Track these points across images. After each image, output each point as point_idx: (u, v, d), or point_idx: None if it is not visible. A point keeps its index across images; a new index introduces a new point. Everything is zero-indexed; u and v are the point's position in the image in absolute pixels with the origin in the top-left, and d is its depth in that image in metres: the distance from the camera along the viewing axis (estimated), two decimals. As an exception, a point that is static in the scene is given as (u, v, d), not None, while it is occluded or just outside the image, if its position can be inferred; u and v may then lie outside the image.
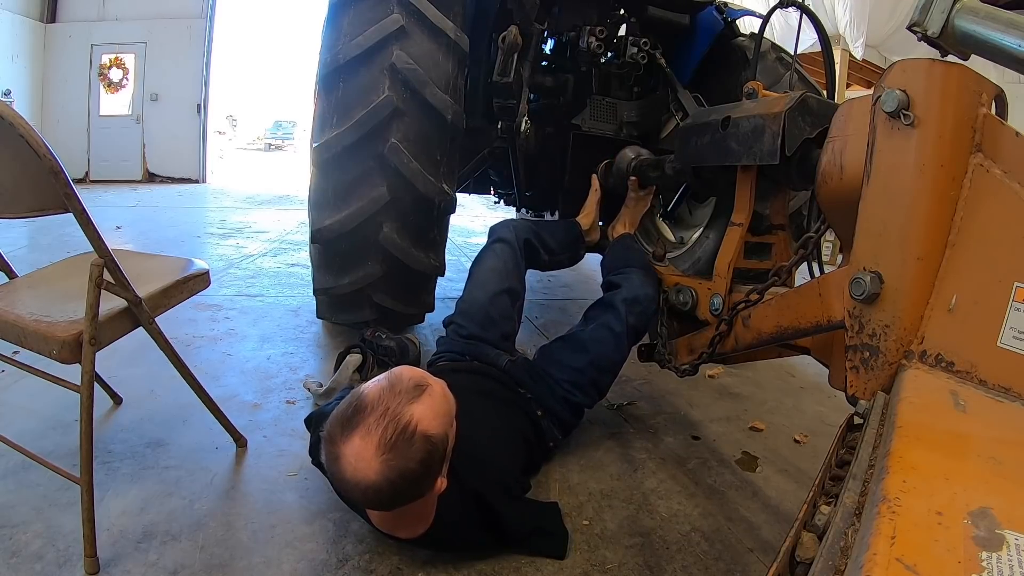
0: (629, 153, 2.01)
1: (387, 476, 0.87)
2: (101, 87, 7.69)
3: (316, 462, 1.16)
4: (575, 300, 2.96)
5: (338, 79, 1.76)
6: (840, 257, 1.22)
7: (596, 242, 2.01)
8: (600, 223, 2.05)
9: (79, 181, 7.26)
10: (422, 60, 1.75)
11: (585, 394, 1.46)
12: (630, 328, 1.52)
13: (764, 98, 1.39)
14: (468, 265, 1.71)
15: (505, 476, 1.19)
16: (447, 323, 1.63)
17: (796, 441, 1.71)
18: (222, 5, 7.94)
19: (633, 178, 1.95)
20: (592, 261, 2.04)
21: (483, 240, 1.75)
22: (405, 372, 0.99)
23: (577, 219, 1.99)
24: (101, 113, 7.72)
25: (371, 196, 1.75)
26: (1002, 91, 0.86)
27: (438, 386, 0.99)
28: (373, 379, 0.99)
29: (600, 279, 1.77)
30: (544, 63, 2.42)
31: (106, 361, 1.45)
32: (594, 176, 2.09)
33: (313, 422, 1.24)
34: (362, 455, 0.87)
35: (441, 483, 0.97)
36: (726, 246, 1.40)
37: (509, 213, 5.73)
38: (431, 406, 0.94)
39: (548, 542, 1.14)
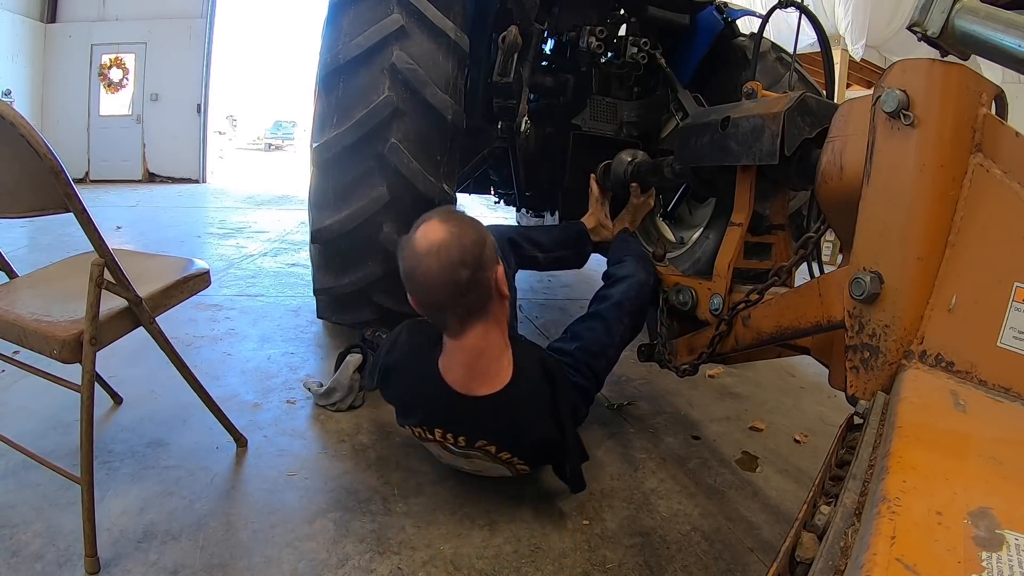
0: (625, 156, 2.01)
1: (452, 232, 1.04)
2: (101, 87, 7.69)
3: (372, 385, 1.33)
4: (575, 300, 2.96)
5: (338, 79, 1.76)
6: (840, 257, 1.22)
7: (607, 240, 1.99)
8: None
9: (79, 181, 7.26)
10: (422, 60, 1.75)
11: (583, 376, 1.44)
12: (624, 313, 1.52)
13: (764, 98, 1.39)
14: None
15: (569, 397, 1.25)
16: None
17: (796, 441, 1.71)
18: (222, 5, 7.94)
19: (634, 184, 1.94)
20: (595, 261, 2.04)
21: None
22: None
23: (583, 219, 1.98)
24: (101, 113, 7.72)
25: (371, 196, 1.75)
26: (1002, 91, 0.86)
27: None
28: None
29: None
30: (544, 63, 2.42)
31: (106, 361, 1.45)
32: (592, 177, 2.08)
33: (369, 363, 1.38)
34: (430, 228, 1.06)
35: (502, 277, 1.10)
36: (726, 246, 1.40)
37: (509, 213, 5.73)
38: (472, 220, 1.13)
39: (579, 473, 1.21)
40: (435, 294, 1.06)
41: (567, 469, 1.21)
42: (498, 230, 1.74)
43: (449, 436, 1.16)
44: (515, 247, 1.75)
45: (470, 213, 1.21)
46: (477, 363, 1.11)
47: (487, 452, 1.16)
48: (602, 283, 1.68)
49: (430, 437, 1.19)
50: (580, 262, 1.96)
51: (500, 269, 1.10)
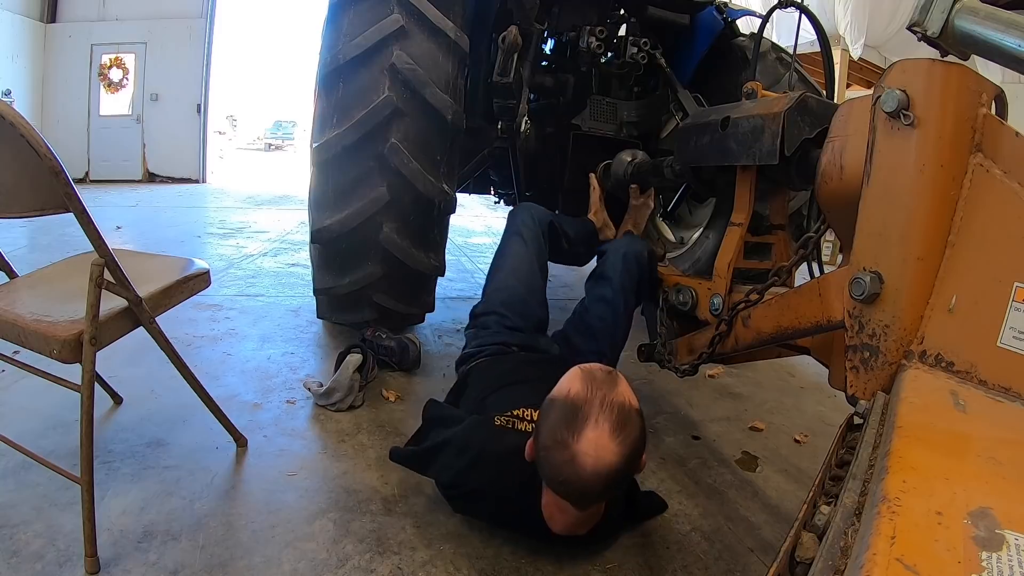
0: (625, 156, 2.01)
1: (625, 454, 0.94)
2: (101, 87, 7.68)
3: (414, 465, 1.22)
4: (575, 300, 2.95)
5: (338, 79, 1.76)
6: (840, 257, 1.22)
7: (610, 240, 1.99)
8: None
9: (79, 181, 7.26)
10: (422, 60, 1.75)
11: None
12: (625, 291, 1.54)
13: (763, 98, 1.39)
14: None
15: None
16: (480, 314, 1.59)
17: (796, 441, 1.71)
18: (222, 5, 7.95)
19: (634, 186, 1.94)
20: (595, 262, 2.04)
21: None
22: (590, 366, 1.05)
23: (589, 216, 1.99)
24: (101, 113, 7.71)
25: (371, 196, 1.75)
26: (1002, 91, 0.86)
27: (619, 372, 1.06)
28: (563, 383, 1.02)
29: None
30: (544, 63, 2.42)
31: (106, 361, 1.45)
32: (592, 175, 2.08)
33: (425, 431, 1.25)
34: (601, 443, 0.93)
35: (644, 458, 1.03)
36: (726, 246, 1.40)
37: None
38: (626, 384, 1.03)
39: (652, 500, 1.24)
40: (584, 503, 1.01)
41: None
42: (538, 213, 1.73)
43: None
44: (554, 234, 1.74)
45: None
46: (588, 521, 1.06)
47: None
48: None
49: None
50: (585, 261, 1.96)
51: (645, 456, 1.03)
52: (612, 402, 0.96)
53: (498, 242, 1.77)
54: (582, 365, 1.06)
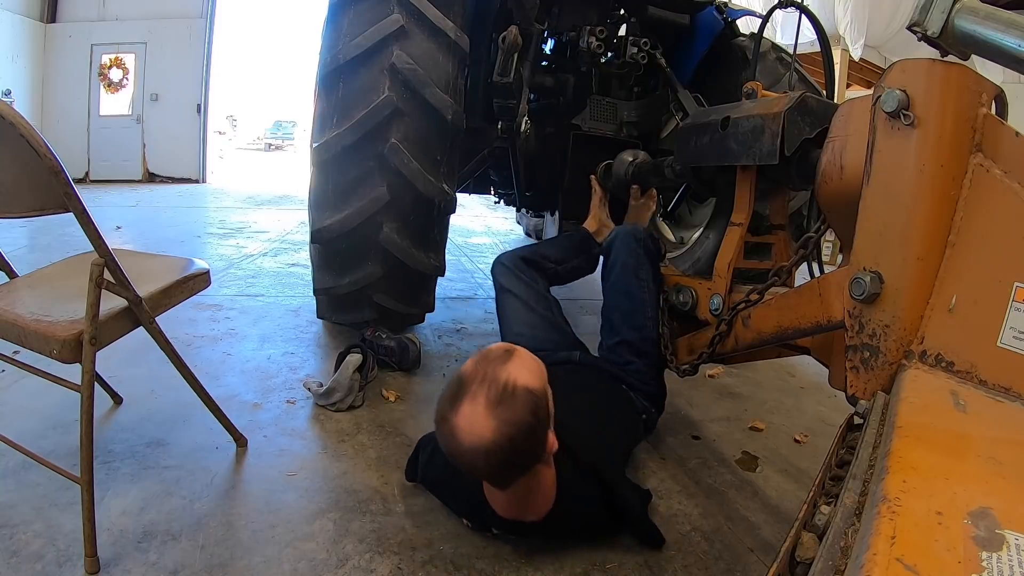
0: (627, 156, 2.01)
1: (502, 431, 0.91)
2: (101, 87, 7.68)
3: (413, 478, 1.29)
4: (575, 300, 2.96)
5: (338, 79, 1.76)
6: (840, 257, 1.22)
7: None
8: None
9: (79, 181, 7.26)
10: (422, 60, 1.75)
11: (642, 357, 1.49)
12: (634, 272, 1.54)
13: (763, 98, 1.39)
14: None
15: (614, 453, 1.28)
16: None
17: (796, 441, 1.71)
18: (222, 5, 7.94)
19: (635, 186, 1.94)
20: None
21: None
22: (494, 345, 1.05)
23: (583, 225, 1.98)
24: (101, 113, 7.71)
25: (371, 196, 1.75)
26: (1002, 91, 0.86)
27: (524, 350, 1.04)
28: (466, 363, 1.03)
29: (600, 282, 1.77)
30: (544, 63, 2.42)
31: (106, 361, 1.45)
32: (593, 177, 2.08)
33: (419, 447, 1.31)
34: (474, 419, 0.92)
35: (552, 440, 1.00)
36: (726, 246, 1.40)
37: (509, 213, 5.73)
38: (523, 363, 1.00)
39: (650, 530, 1.18)
40: (473, 475, 1.02)
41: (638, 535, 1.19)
42: (508, 257, 1.76)
43: (509, 535, 1.17)
44: (533, 265, 1.76)
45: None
46: (523, 502, 1.08)
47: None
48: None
49: (489, 534, 1.18)
50: (592, 267, 1.90)
51: (552, 437, 0.99)
52: (494, 378, 0.95)
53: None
54: (488, 346, 1.06)
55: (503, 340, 1.66)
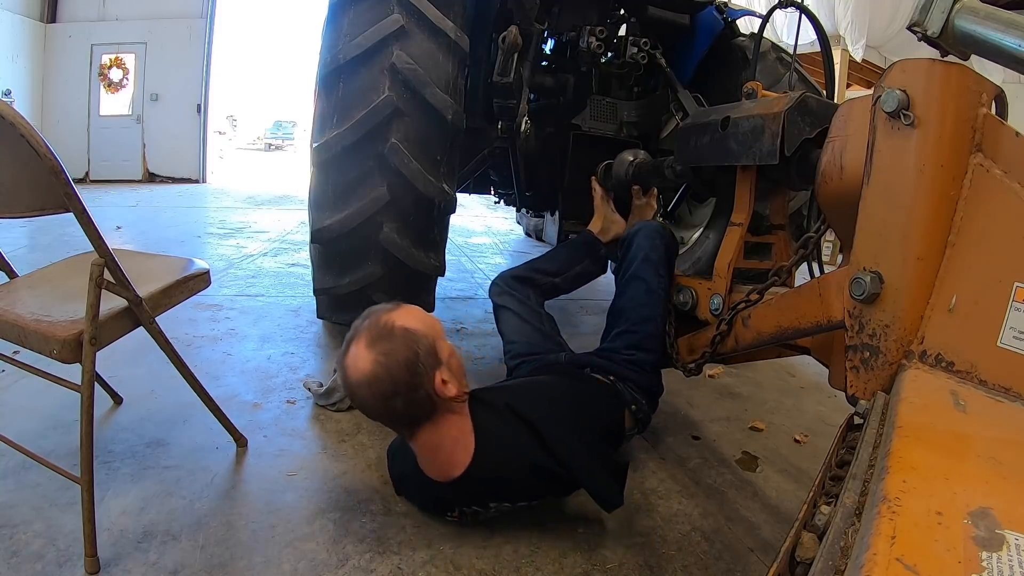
0: (627, 156, 2.01)
1: (378, 362, 1.02)
2: (101, 87, 7.69)
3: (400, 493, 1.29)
4: (575, 300, 2.96)
5: (338, 79, 1.76)
6: (840, 257, 1.22)
7: (619, 238, 1.95)
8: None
9: (79, 181, 7.27)
10: (422, 60, 1.75)
11: (643, 351, 1.47)
12: (653, 265, 1.51)
13: (763, 98, 1.39)
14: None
15: (564, 419, 1.22)
16: (510, 371, 1.64)
17: (796, 441, 1.71)
18: (222, 5, 7.96)
19: (636, 187, 1.94)
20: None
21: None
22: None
23: (588, 228, 1.96)
24: (101, 113, 7.72)
25: (371, 196, 1.75)
26: (1002, 91, 0.86)
27: (413, 306, 1.14)
28: None
29: (599, 282, 1.76)
30: (544, 63, 2.42)
31: (106, 361, 1.45)
32: (593, 179, 2.08)
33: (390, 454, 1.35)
34: (356, 356, 1.04)
35: (442, 381, 1.06)
36: (726, 246, 1.40)
37: (509, 213, 5.73)
38: (408, 311, 1.10)
39: (601, 486, 1.15)
40: (377, 418, 1.11)
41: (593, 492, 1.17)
42: (502, 278, 1.77)
43: (464, 511, 1.16)
44: (526, 282, 1.76)
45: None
46: (438, 455, 1.12)
47: (506, 507, 1.17)
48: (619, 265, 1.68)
49: (453, 517, 1.19)
50: (601, 268, 1.89)
51: (439, 375, 1.06)
52: (375, 321, 1.06)
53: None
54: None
55: (505, 346, 1.68)
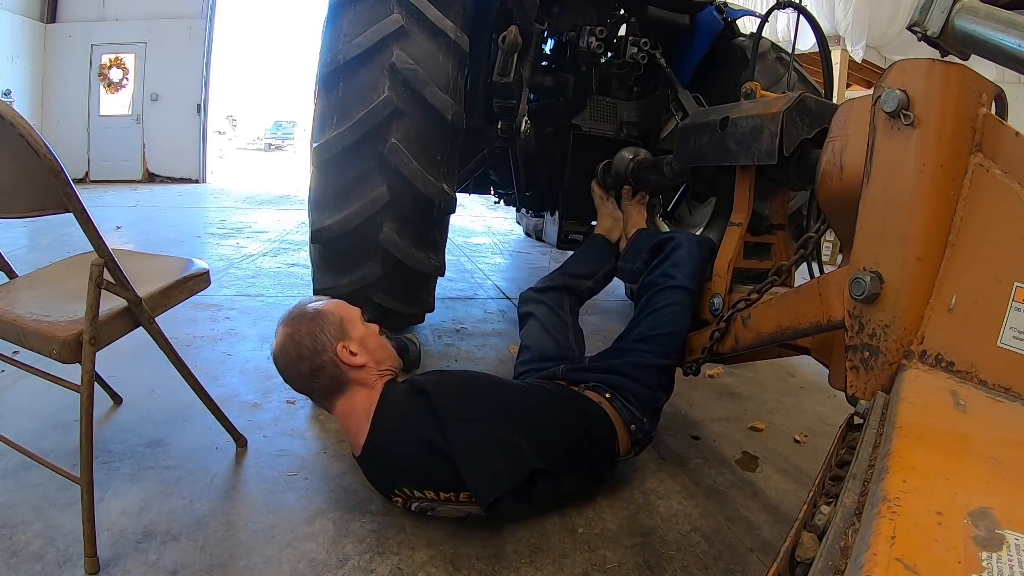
0: (627, 154, 2.01)
1: (287, 334, 1.20)
2: (101, 87, 7.69)
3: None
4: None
5: (338, 79, 1.76)
6: (840, 257, 1.22)
7: (629, 235, 1.86)
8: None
9: (79, 181, 7.26)
10: (422, 60, 1.75)
11: (668, 358, 1.38)
12: (694, 280, 1.41)
13: (763, 98, 1.39)
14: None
15: (476, 405, 1.17)
16: (520, 374, 1.61)
17: (796, 441, 1.71)
18: (222, 5, 7.95)
19: (627, 187, 1.93)
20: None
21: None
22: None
23: (596, 232, 1.94)
24: (101, 113, 7.72)
25: (371, 196, 1.75)
26: (1002, 91, 0.86)
27: (335, 300, 1.31)
28: None
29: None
30: (544, 63, 2.43)
31: (106, 361, 1.45)
32: (594, 181, 2.08)
33: None
34: (277, 334, 1.22)
35: (346, 351, 1.18)
36: (725, 246, 1.40)
37: (509, 213, 5.73)
38: (325, 301, 1.28)
39: (483, 474, 1.04)
40: (296, 384, 1.22)
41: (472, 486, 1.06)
42: (537, 288, 1.76)
43: (406, 495, 1.14)
44: (565, 290, 1.75)
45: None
46: (348, 425, 1.20)
47: (420, 497, 1.13)
48: (635, 279, 1.60)
49: (397, 502, 1.19)
50: (615, 268, 1.86)
51: (340, 345, 1.18)
52: (295, 309, 1.26)
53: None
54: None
55: (520, 350, 1.66)
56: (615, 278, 1.88)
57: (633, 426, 1.31)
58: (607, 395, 1.32)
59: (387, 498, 1.21)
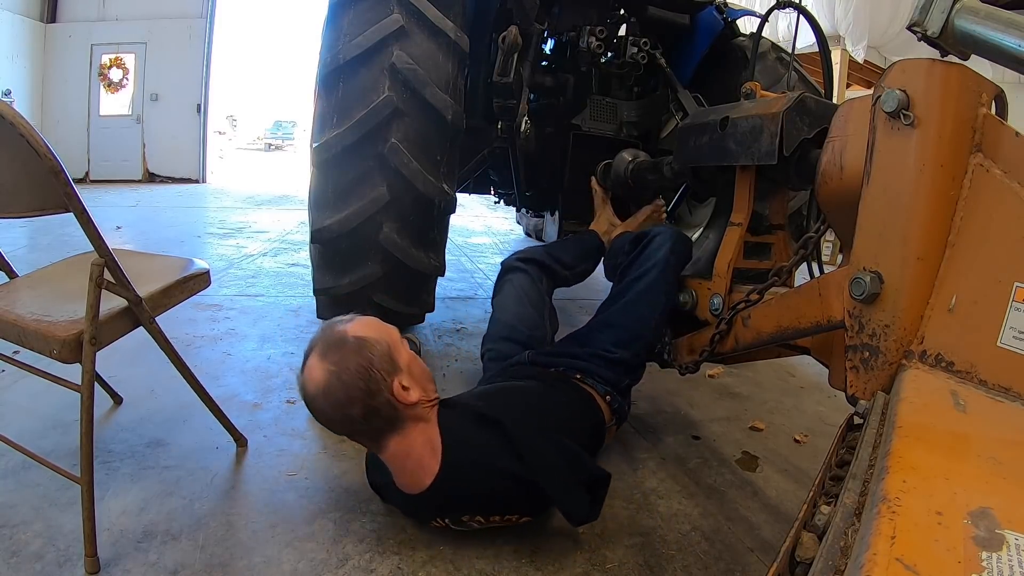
0: (626, 155, 2.01)
1: (331, 371, 1.01)
2: (101, 87, 7.69)
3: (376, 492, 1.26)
4: (574, 300, 2.96)
5: (338, 79, 1.76)
6: (840, 257, 1.22)
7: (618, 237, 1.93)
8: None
9: (79, 181, 7.27)
10: (422, 60, 1.75)
11: (628, 350, 1.42)
12: (670, 277, 1.47)
13: (762, 98, 1.39)
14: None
15: (537, 424, 1.16)
16: (481, 356, 1.65)
17: (796, 441, 1.71)
18: (222, 5, 7.96)
19: (651, 205, 1.96)
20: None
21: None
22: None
23: (591, 227, 1.96)
24: (101, 113, 7.72)
25: (371, 196, 1.75)
26: (1002, 91, 0.86)
27: (369, 317, 1.13)
28: None
29: (603, 279, 1.76)
30: (544, 63, 2.43)
31: (106, 361, 1.45)
32: (593, 179, 2.08)
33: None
34: (311, 368, 1.03)
35: (401, 388, 1.04)
36: (725, 246, 1.40)
37: (509, 213, 5.73)
38: (361, 322, 1.10)
39: (572, 500, 1.06)
40: (339, 430, 1.09)
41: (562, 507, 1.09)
42: (524, 253, 1.77)
43: (437, 522, 1.13)
44: (545, 270, 1.76)
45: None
46: (406, 466, 1.09)
47: (478, 522, 1.11)
48: (616, 273, 1.64)
49: (440, 524, 1.15)
50: (596, 266, 1.91)
51: (397, 381, 1.04)
52: (331, 332, 1.06)
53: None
54: None
55: (490, 319, 1.68)
56: (604, 278, 1.88)
57: (608, 397, 1.40)
58: (576, 375, 1.40)
59: (427, 523, 1.15)
